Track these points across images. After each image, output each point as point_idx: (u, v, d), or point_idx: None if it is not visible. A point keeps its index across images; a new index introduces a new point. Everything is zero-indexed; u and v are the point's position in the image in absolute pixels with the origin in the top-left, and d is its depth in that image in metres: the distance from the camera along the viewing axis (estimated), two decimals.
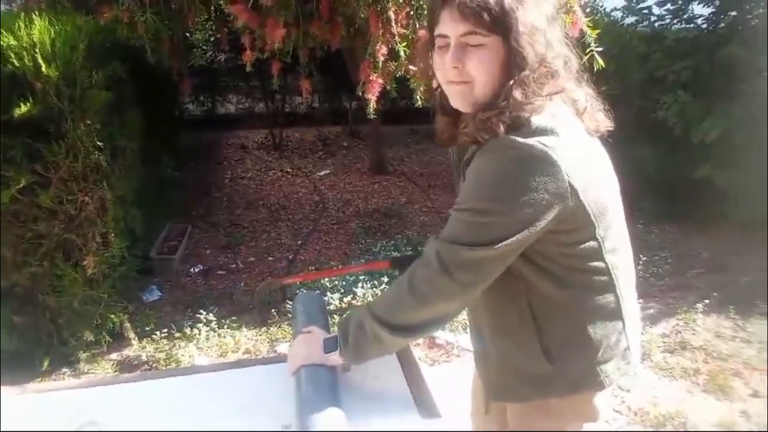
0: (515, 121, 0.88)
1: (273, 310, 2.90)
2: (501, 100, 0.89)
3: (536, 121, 0.88)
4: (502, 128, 0.88)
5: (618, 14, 4.46)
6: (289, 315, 2.69)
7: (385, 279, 2.96)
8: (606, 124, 1.01)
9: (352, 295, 2.92)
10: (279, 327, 2.81)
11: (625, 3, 4.37)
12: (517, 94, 0.88)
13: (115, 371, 2.50)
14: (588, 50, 2.31)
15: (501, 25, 0.88)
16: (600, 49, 2.32)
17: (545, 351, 0.99)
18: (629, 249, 1.05)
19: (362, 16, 2.33)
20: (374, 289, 2.95)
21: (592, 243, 0.94)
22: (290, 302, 2.77)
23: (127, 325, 2.59)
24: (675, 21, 4.16)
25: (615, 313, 1.00)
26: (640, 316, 1.13)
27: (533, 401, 1.05)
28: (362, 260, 3.46)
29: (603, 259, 0.96)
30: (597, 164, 0.96)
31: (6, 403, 1.10)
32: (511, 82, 0.89)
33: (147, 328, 2.73)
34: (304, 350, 1.10)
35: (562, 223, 0.90)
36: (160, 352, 2.61)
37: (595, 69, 2.28)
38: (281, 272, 3.43)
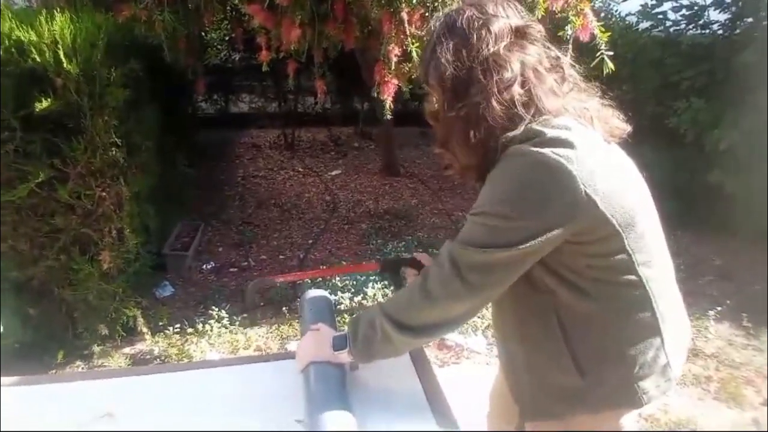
0: (528, 133, 0.90)
1: (284, 308, 2.92)
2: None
3: (550, 132, 0.88)
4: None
5: (633, 19, 4.44)
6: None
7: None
8: (622, 128, 1.00)
9: (362, 295, 2.93)
10: (290, 325, 2.82)
11: (640, 8, 4.34)
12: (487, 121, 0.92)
13: (129, 365, 2.53)
14: (598, 53, 2.31)
15: (426, 74, 1.01)
16: (611, 52, 2.32)
17: (576, 364, 0.97)
18: (668, 261, 1.02)
19: (374, 16, 2.35)
20: (385, 288, 2.96)
21: (622, 255, 0.92)
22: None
23: (141, 319, 2.62)
24: (690, 26, 4.13)
25: (652, 329, 0.97)
26: (688, 330, 1.09)
27: (566, 419, 1.03)
28: (372, 261, 3.47)
29: (636, 273, 0.93)
30: (619, 173, 0.95)
31: (21, 395, 1.12)
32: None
33: (160, 323, 2.76)
34: (313, 347, 1.11)
35: (583, 234, 0.89)
36: (172, 347, 2.64)
37: (605, 72, 2.28)
38: (293, 270, 3.45)
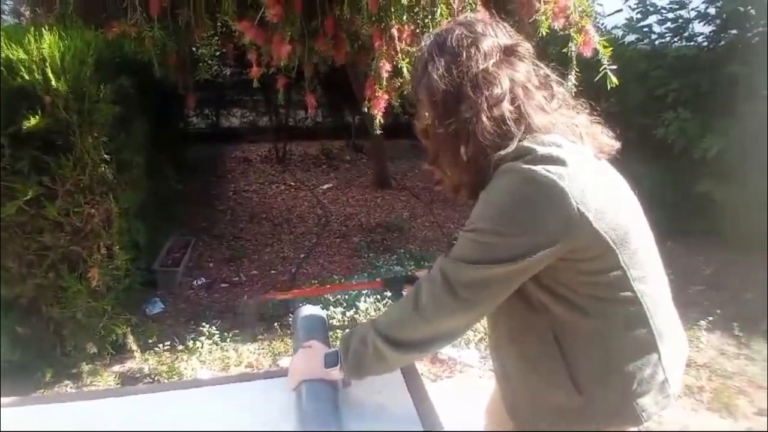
0: (520, 151, 0.90)
1: (276, 324, 2.90)
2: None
3: (541, 150, 0.89)
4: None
5: (619, 32, 4.51)
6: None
7: (389, 293, 2.96)
8: (611, 145, 1.01)
9: (354, 310, 2.92)
10: (282, 341, 2.80)
11: (626, 21, 4.41)
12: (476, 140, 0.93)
13: (118, 383, 2.49)
14: (602, 68, 2.34)
15: (417, 91, 1.02)
16: (614, 67, 2.35)
17: (575, 383, 0.97)
18: (662, 275, 1.03)
19: (365, 33, 2.37)
20: (377, 303, 2.95)
21: (617, 272, 0.92)
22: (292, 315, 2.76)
23: (130, 337, 2.59)
24: (675, 39, 4.20)
25: (648, 344, 0.97)
26: (684, 344, 1.09)
27: None
28: (365, 274, 3.46)
29: (631, 289, 0.94)
30: (611, 190, 0.95)
31: (7, 415, 1.10)
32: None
33: (150, 341, 2.73)
34: (305, 365, 1.10)
35: (577, 252, 0.90)
36: (162, 364, 2.61)
37: (609, 87, 2.32)
38: (284, 285, 3.43)
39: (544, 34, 2.32)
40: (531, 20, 2.34)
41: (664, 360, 0.98)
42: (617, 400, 0.98)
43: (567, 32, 2.41)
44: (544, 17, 2.29)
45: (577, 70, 2.36)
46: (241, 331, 2.82)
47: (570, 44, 2.40)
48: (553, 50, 2.61)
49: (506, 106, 0.93)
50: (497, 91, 0.93)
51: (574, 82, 2.29)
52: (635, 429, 1.01)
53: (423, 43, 1.04)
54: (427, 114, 1.01)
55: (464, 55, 0.95)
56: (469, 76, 0.94)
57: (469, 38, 0.96)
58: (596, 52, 2.37)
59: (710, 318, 2.83)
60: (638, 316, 0.96)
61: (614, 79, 2.33)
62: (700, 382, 2.44)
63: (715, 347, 2.70)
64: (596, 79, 2.33)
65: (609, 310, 0.95)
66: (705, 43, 4.09)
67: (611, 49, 2.38)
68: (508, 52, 0.97)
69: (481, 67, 0.94)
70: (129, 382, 2.51)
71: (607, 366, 0.97)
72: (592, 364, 0.97)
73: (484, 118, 0.92)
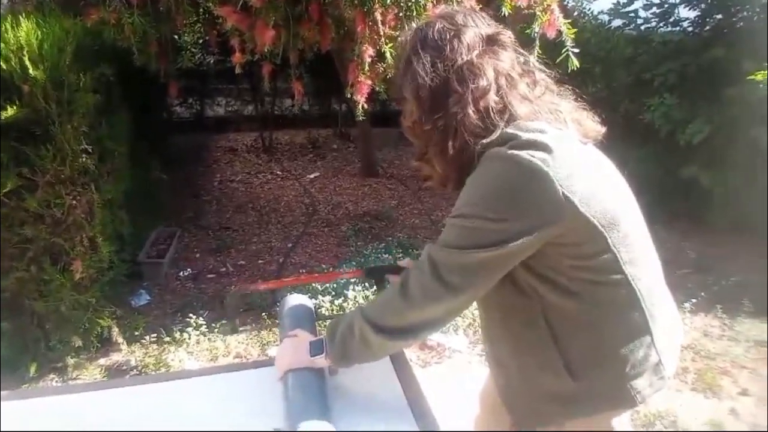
0: (504, 137, 0.90)
1: (264, 314, 2.89)
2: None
3: (525, 135, 0.89)
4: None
5: (605, 17, 4.50)
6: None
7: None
8: (596, 130, 1.01)
9: (343, 298, 2.91)
10: (270, 330, 2.79)
11: (611, 6, 4.41)
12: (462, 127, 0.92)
13: (104, 376, 2.47)
14: (564, 50, 2.30)
15: (402, 88, 1.01)
16: (576, 50, 2.31)
17: (568, 368, 0.97)
18: (654, 258, 1.03)
19: (347, 16, 2.32)
20: (366, 291, 2.94)
21: (607, 255, 0.92)
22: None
23: (116, 329, 2.57)
24: (661, 24, 4.20)
25: (641, 327, 0.97)
26: (679, 327, 1.10)
27: (561, 424, 1.02)
28: (353, 262, 3.45)
29: (622, 271, 0.93)
30: (597, 174, 0.95)
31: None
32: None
33: (136, 333, 2.71)
34: (290, 354, 1.10)
35: (565, 236, 0.89)
36: (149, 356, 2.59)
37: (570, 69, 2.27)
38: (272, 275, 3.41)
39: (506, 15, 2.25)
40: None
41: (657, 342, 0.99)
42: (611, 382, 0.98)
43: (532, 11, 2.35)
44: None
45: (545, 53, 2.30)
46: (228, 321, 2.80)
47: (534, 25, 2.34)
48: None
49: (492, 98, 0.93)
50: (483, 83, 0.93)
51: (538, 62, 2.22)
52: (629, 410, 1.02)
53: (403, 38, 1.03)
54: (413, 110, 1.00)
55: (448, 48, 0.95)
56: (454, 69, 0.94)
57: (451, 30, 0.96)
58: (560, 33, 2.32)
59: (694, 300, 2.87)
60: (629, 298, 0.96)
61: (575, 62, 2.28)
62: (684, 363, 2.48)
63: (700, 329, 2.74)
64: (557, 60, 2.27)
65: (600, 293, 0.95)
66: (690, 28, 4.10)
67: (575, 30, 2.33)
68: (491, 42, 0.97)
69: (465, 59, 0.94)
70: (115, 375, 2.48)
71: (599, 349, 0.98)
72: (585, 347, 0.98)
73: (471, 111, 0.92)
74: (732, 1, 3.75)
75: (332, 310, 2.85)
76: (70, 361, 2.47)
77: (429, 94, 0.95)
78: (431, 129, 0.96)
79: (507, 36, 1.00)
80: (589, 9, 4.75)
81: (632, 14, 4.31)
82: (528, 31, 2.33)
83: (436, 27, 0.97)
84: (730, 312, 2.82)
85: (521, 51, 1.01)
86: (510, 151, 0.87)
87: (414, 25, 1.06)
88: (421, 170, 1.09)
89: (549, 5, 2.29)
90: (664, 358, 1.00)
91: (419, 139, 1.03)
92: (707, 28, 3.99)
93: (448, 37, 0.95)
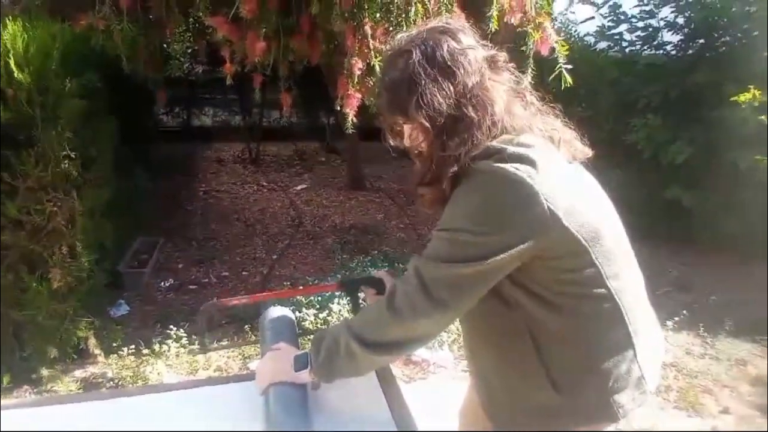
0: (489, 150, 0.90)
1: (246, 326, 2.85)
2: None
3: (511, 149, 0.89)
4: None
5: (591, 39, 4.60)
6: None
7: (361, 295, 2.93)
8: (584, 152, 1.02)
9: (327, 311, 2.89)
10: (252, 344, 2.74)
11: (597, 29, 4.51)
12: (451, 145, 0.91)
13: (79, 389, 2.40)
14: (557, 66, 2.32)
15: (405, 111, 0.95)
16: (570, 66, 2.34)
17: (552, 381, 0.96)
18: (637, 273, 1.03)
19: (337, 30, 2.33)
20: (350, 305, 2.92)
21: (591, 269, 0.92)
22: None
23: (93, 340, 2.50)
24: (645, 47, 4.30)
25: (624, 341, 0.97)
26: (661, 342, 1.10)
27: None
28: (338, 276, 3.42)
29: (606, 286, 0.93)
30: (581, 189, 0.96)
31: None
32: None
33: (114, 344, 2.64)
34: (272, 368, 1.07)
35: (549, 250, 0.89)
36: (126, 369, 2.53)
37: (563, 86, 2.29)
38: (256, 287, 3.37)
39: (493, 30, 2.23)
40: (505, 22, 2.32)
41: (639, 356, 0.99)
42: (594, 397, 0.98)
43: (524, 29, 2.36)
44: (496, 12, 2.21)
45: (533, 68, 2.30)
46: (198, 338, 2.71)
47: (528, 42, 2.35)
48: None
49: (506, 120, 0.93)
50: (497, 109, 0.92)
51: (530, 81, 2.25)
52: (612, 426, 1.01)
53: (393, 47, 0.98)
54: (420, 135, 0.97)
55: (461, 71, 0.92)
56: (468, 93, 0.92)
57: (461, 52, 0.93)
58: (553, 50, 2.33)
59: (676, 318, 2.89)
60: (613, 313, 0.96)
61: (568, 79, 2.30)
62: (667, 381, 2.49)
63: (682, 347, 2.76)
64: (550, 78, 2.31)
65: (584, 307, 0.95)
66: (674, 52, 4.20)
67: (568, 47, 2.36)
68: (492, 63, 0.96)
69: (474, 81, 0.92)
70: (91, 387, 2.42)
71: (583, 362, 0.97)
72: (569, 362, 0.97)
73: (479, 135, 0.91)
74: (714, 26, 3.85)
75: (316, 323, 2.82)
76: (45, 372, 2.40)
77: (445, 119, 0.92)
78: (444, 155, 0.92)
79: (503, 56, 0.99)
80: (576, 31, 4.85)
81: (617, 37, 4.41)
82: (523, 48, 2.35)
83: (445, 47, 0.92)
84: (711, 330, 2.85)
85: (514, 71, 1.01)
86: (495, 164, 0.88)
87: (404, 35, 1.00)
88: (407, 183, 1.08)
89: (541, 23, 2.32)
90: (647, 373, 1.00)
91: (434, 164, 0.96)
92: (690, 51, 4.09)
93: (459, 59, 0.92)
